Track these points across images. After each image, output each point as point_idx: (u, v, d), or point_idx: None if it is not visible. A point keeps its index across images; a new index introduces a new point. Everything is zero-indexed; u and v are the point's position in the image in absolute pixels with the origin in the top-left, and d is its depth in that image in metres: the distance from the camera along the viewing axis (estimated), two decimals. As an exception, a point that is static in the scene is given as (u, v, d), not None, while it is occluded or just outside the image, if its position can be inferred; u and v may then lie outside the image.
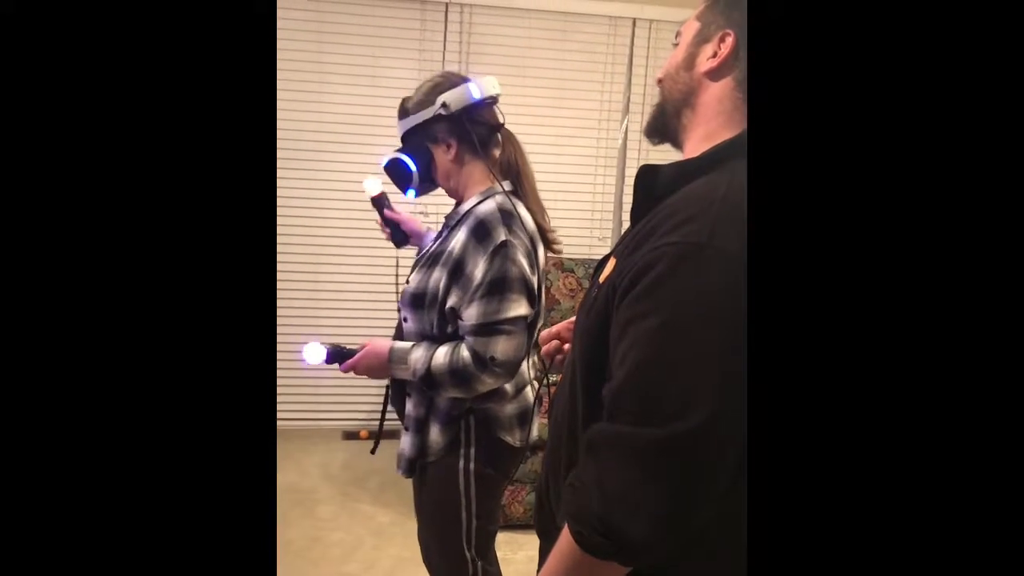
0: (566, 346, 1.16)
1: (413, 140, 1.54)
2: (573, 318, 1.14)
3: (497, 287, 1.40)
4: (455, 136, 1.50)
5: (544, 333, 1.19)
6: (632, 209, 0.91)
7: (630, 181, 3.52)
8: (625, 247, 0.86)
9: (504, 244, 1.41)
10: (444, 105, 1.47)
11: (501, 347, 1.41)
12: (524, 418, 1.57)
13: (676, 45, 0.93)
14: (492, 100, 1.53)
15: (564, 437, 0.92)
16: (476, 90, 1.48)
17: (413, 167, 1.53)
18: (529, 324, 1.47)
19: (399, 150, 1.55)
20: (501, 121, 1.55)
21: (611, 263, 0.89)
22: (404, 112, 1.54)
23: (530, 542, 2.57)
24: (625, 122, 3.49)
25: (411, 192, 1.57)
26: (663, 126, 0.94)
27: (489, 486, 1.57)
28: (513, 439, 1.55)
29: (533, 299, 1.46)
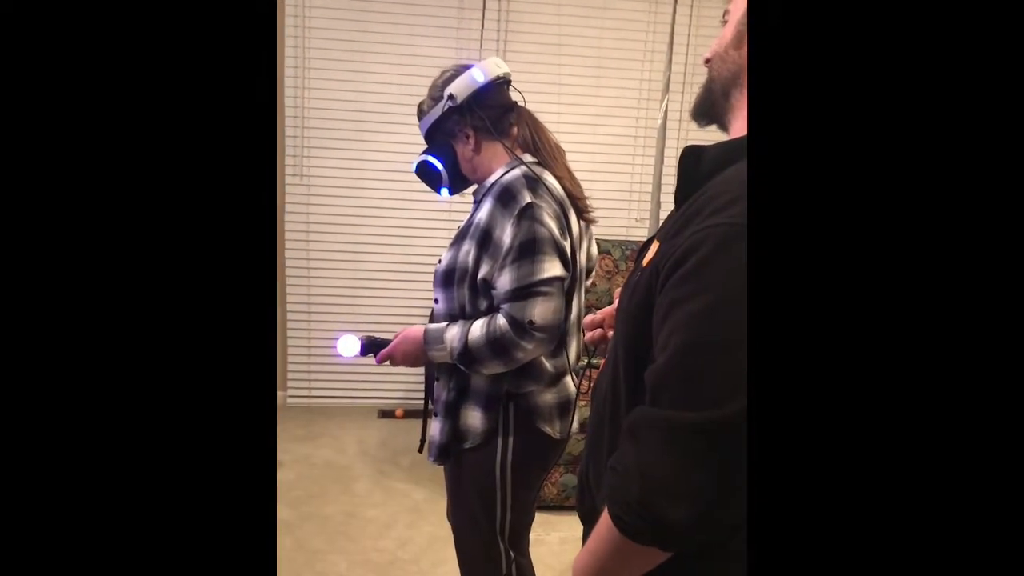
0: (610, 332, 1.16)
1: (435, 139, 1.54)
2: (615, 304, 1.13)
3: (528, 249, 1.38)
4: (470, 125, 1.49)
5: (587, 320, 1.18)
6: (676, 190, 0.90)
7: (669, 162, 3.49)
8: (668, 229, 0.85)
9: (529, 206, 1.38)
10: (451, 97, 1.46)
11: (539, 309, 1.38)
12: (565, 409, 1.54)
13: (725, 23, 0.91)
14: (502, 81, 1.51)
15: (606, 421, 0.92)
16: (479, 74, 1.47)
17: (440, 166, 1.53)
18: (567, 290, 1.44)
19: (425, 151, 1.55)
20: (513, 100, 1.54)
21: (655, 246, 0.87)
22: (421, 113, 1.55)
23: (563, 523, 2.58)
24: (665, 101, 3.44)
25: (444, 191, 1.57)
26: (710, 107, 0.92)
27: (526, 478, 1.55)
28: (553, 431, 1.52)
29: (566, 261, 1.43)
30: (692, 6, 3.36)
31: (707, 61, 0.92)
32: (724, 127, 0.92)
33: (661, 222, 3.78)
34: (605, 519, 0.80)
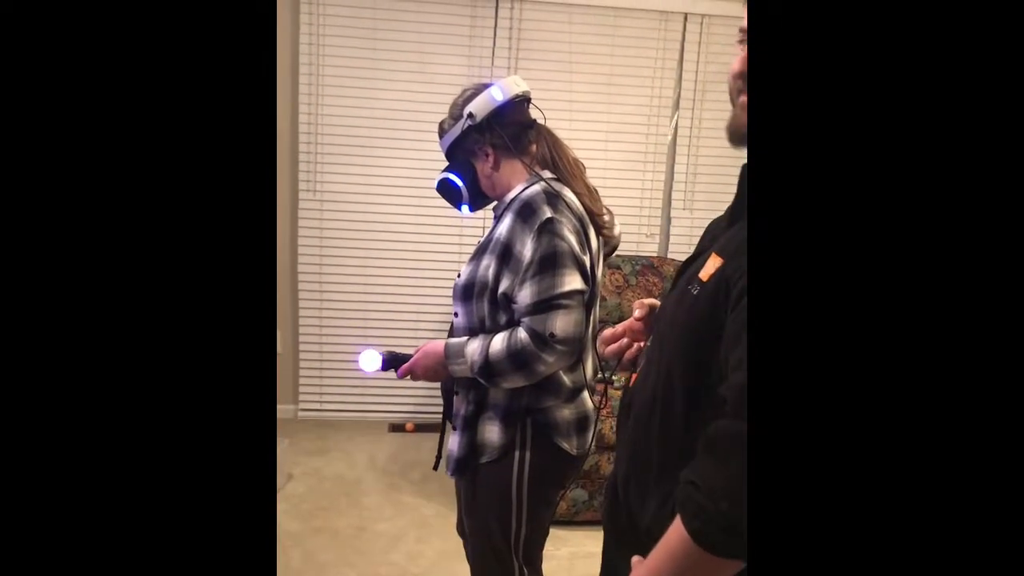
0: (635, 345, 1.15)
1: (456, 157, 1.56)
2: (633, 320, 1.14)
3: (548, 263, 1.39)
4: (489, 143, 1.51)
5: (607, 333, 1.18)
6: (732, 206, 0.90)
7: (679, 178, 3.50)
8: (726, 245, 0.85)
9: (550, 220, 1.40)
10: (471, 116, 1.48)
11: (560, 323, 1.39)
12: (583, 425, 1.54)
13: (742, 41, 0.89)
14: (521, 99, 1.53)
15: (654, 437, 0.91)
16: (499, 93, 1.49)
17: (460, 183, 1.54)
18: (586, 304, 1.45)
19: (446, 169, 1.57)
20: (532, 118, 1.55)
21: (714, 260, 0.87)
22: (441, 132, 1.57)
23: (573, 538, 2.56)
24: (675, 117, 3.45)
25: (464, 208, 1.59)
26: (741, 125, 0.87)
27: (543, 494, 1.54)
28: (571, 447, 1.52)
29: (586, 275, 1.44)
30: (702, 23, 3.38)
31: (736, 77, 0.89)
32: None
33: (671, 238, 3.75)
34: (677, 532, 0.80)
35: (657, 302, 1.15)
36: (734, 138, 0.89)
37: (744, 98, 0.86)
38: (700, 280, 0.87)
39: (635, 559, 0.90)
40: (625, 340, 1.16)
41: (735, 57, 0.90)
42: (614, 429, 2.65)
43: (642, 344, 1.16)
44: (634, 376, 1.02)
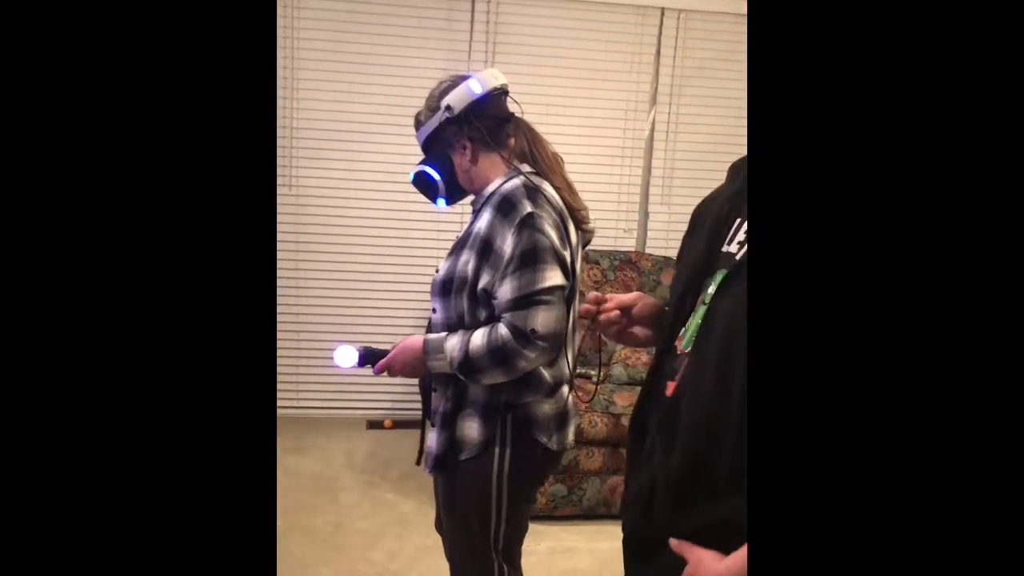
0: (635, 328, 1.12)
1: (433, 149, 1.54)
2: (636, 295, 1.11)
3: (529, 259, 1.38)
4: (467, 136, 1.49)
5: (602, 302, 1.12)
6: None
7: (657, 172, 3.50)
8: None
9: (531, 215, 1.39)
10: (448, 108, 1.47)
11: (541, 318, 1.38)
12: (563, 420, 1.54)
13: None
14: (499, 92, 1.52)
15: (727, 451, 0.88)
16: (477, 85, 1.47)
17: (436, 176, 1.53)
18: (566, 298, 1.44)
19: (422, 162, 1.55)
20: (511, 111, 1.54)
21: None
22: (418, 124, 1.55)
23: (552, 533, 2.57)
24: (652, 113, 3.46)
25: (441, 201, 1.57)
26: None
27: (523, 490, 1.54)
28: (551, 442, 1.51)
29: (567, 270, 1.44)
30: (679, 18, 3.39)
31: None
32: None
33: (648, 232, 3.75)
34: None
35: (640, 297, 1.12)
36: None
37: None
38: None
39: (675, 541, 0.89)
40: (616, 314, 1.11)
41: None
42: (595, 424, 2.65)
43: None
44: (671, 384, 0.97)
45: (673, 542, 0.89)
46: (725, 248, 0.96)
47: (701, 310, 0.95)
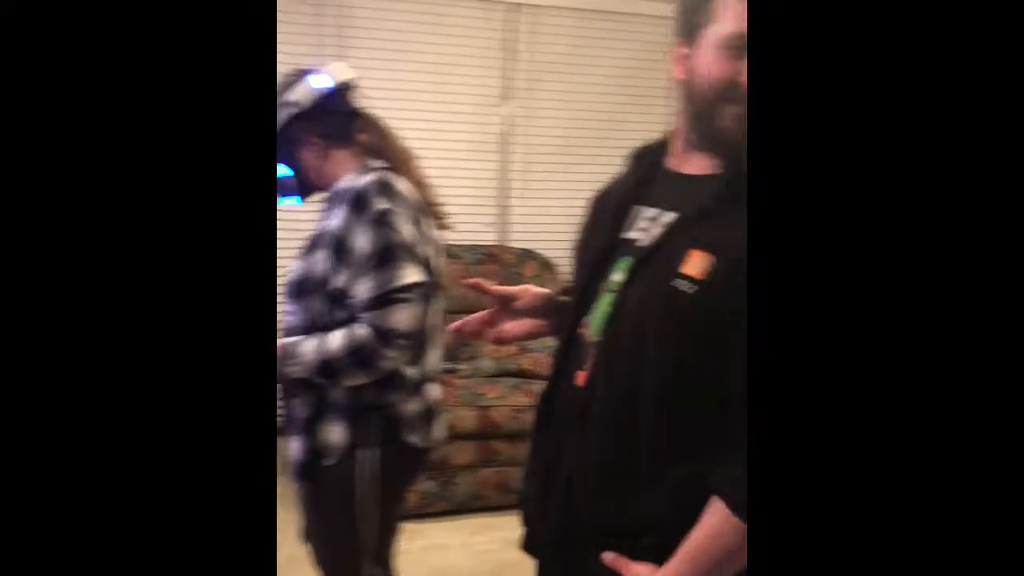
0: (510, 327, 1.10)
1: (283, 148, 1.49)
2: (543, 292, 1.10)
3: (385, 256, 1.35)
4: (314, 132, 1.46)
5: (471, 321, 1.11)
6: (698, 195, 0.89)
7: (515, 167, 3.54)
8: (717, 242, 0.83)
9: (385, 212, 1.36)
10: (294, 104, 1.42)
11: (401, 317, 1.34)
12: (429, 416, 1.52)
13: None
14: (345, 87, 1.49)
15: (643, 436, 0.88)
16: (323, 79, 1.44)
17: (288, 172, 1.48)
18: (426, 295, 1.41)
19: None
20: (359, 106, 1.51)
21: (698, 256, 0.85)
22: None
23: (425, 531, 2.55)
24: (505, 108, 3.49)
25: (295, 199, 1.53)
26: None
27: (392, 492, 1.51)
28: (419, 440, 1.49)
29: (425, 267, 1.41)
30: (523, 13, 3.44)
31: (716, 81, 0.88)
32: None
33: (510, 226, 3.80)
34: (717, 514, 0.81)
35: (525, 289, 1.11)
36: (707, 144, 0.90)
37: (734, 108, 0.85)
38: (689, 277, 0.85)
39: (610, 556, 0.89)
40: (484, 314, 1.11)
41: (714, 64, 0.87)
42: (464, 419, 2.66)
43: (494, 326, 1.11)
44: (581, 374, 0.97)
45: (607, 557, 0.90)
46: (624, 234, 0.98)
47: (607, 297, 0.96)
